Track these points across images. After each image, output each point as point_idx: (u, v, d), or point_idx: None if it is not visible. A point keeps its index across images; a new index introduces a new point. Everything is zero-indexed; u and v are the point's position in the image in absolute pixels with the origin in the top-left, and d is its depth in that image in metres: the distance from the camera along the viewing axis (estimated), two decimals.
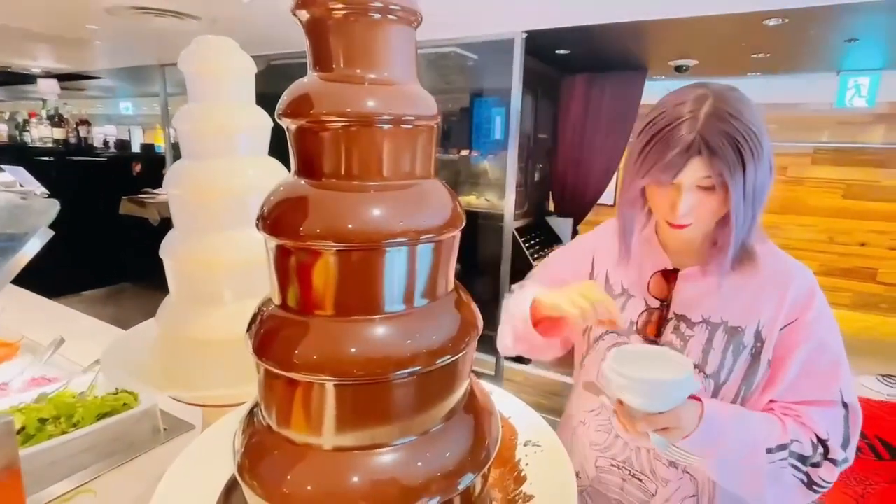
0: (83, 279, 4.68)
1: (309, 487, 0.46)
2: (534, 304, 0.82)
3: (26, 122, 5.54)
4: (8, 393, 1.20)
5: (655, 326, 0.84)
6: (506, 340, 0.92)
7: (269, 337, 0.47)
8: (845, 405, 0.76)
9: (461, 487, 0.49)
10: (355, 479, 0.46)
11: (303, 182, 0.47)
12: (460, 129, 3.90)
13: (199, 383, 0.77)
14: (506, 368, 3.24)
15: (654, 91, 3.72)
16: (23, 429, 0.99)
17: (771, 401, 0.78)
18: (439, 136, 0.53)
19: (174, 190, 0.82)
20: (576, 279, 0.93)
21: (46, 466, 0.94)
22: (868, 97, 3.54)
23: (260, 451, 0.49)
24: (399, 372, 0.46)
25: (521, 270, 1.93)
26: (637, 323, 0.85)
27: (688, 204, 0.73)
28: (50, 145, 5.32)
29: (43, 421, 1.02)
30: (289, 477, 0.46)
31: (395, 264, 0.46)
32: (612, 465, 0.87)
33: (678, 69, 3.51)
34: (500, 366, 3.18)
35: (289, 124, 0.47)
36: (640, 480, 0.84)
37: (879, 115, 3.89)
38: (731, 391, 0.79)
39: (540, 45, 3.02)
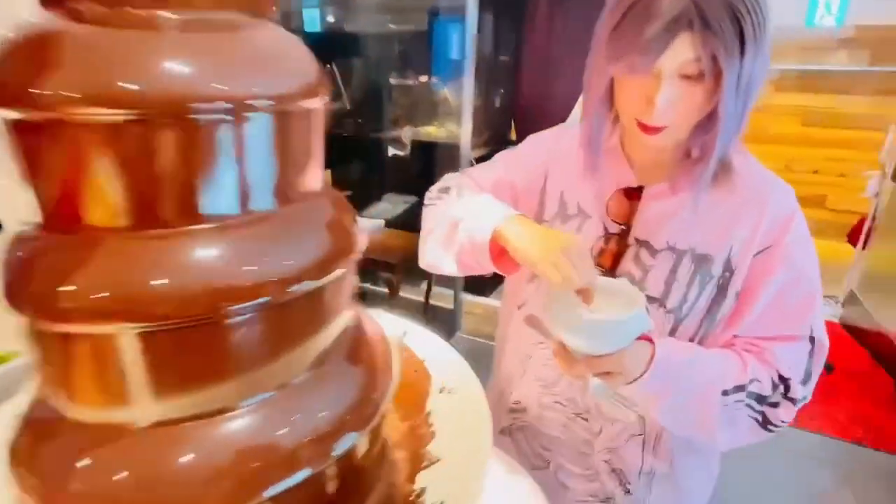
0: None
1: (118, 477, 0.32)
2: (495, 237, 0.65)
3: None
4: None
5: (612, 256, 0.72)
6: (441, 264, 0.76)
7: (25, 272, 0.32)
8: (811, 339, 0.67)
9: (338, 452, 0.37)
10: (186, 459, 0.33)
11: (52, 16, 0.30)
12: (418, 52, 3.60)
13: None
14: (465, 301, 3.19)
15: None
16: None
17: (733, 336, 0.69)
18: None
19: None
20: (525, 193, 0.80)
21: None
22: (837, 15, 3.41)
23: (40, 441, 0.34)
24: (234, 308, 0.32)
25: None
26: (592, 250, 0.73)
27: (667, 97, 0.58)
28: None
29: None
30: (81, 467, 0.32)
31: (216, 146, 0.31)
32: (556, 403, 0.78)
33: None
34: (458, 299, 3.12)
35: None
36: (586, 420, 0.76)
37: (843, 39, 3.80)
38: (692, 327, 0.69)
39: None
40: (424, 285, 3.01)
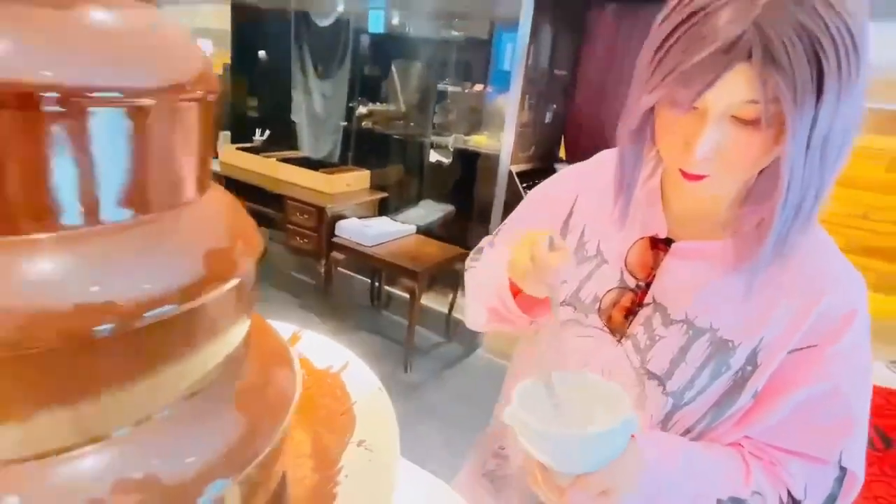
0: None
1: None
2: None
3: None
4: None
5: (624, 312, 0.63)
6: (478, 319, 0.73)
7: None
8: (841, 468, 0.56)
9: (203, 502, 0.31)
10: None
11: None
12: (477, 61, 3.61)
13: None
14: None
15: None
16: None
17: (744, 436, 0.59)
18: None
19: None
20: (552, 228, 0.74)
21: None
22: None
23: None
24: (90, 329, 0.27)
25: None
26: (601, 301, 0.65)
27: (711, 141, 0.48)
28: None
29: None
30: None
31: (48, 144, 0.26)
32: None
33: None
34: None
35: None
36: None
37: None
38: (693, 416, 0.59)
39: None
40: (451, 296, 2.95)
